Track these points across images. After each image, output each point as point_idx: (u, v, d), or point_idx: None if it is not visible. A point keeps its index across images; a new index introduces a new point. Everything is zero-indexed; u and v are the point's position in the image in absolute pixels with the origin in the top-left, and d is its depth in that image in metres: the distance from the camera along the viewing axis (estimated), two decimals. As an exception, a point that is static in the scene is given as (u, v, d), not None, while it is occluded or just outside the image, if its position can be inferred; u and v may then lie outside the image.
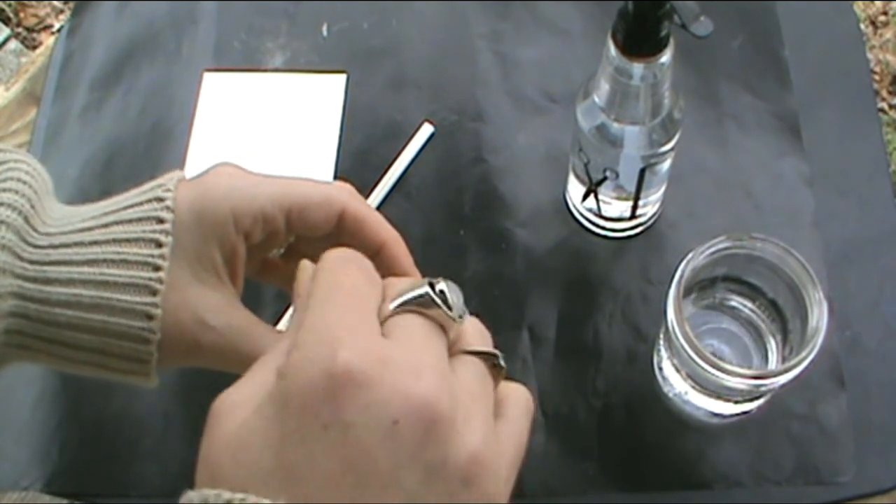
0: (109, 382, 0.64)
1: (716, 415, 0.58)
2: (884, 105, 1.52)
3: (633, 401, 0.61)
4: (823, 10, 0.75)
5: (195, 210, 0.39)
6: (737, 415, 0.58)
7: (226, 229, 0.39)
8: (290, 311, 0.64)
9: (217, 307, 0.39)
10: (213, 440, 0.28)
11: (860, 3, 1.60)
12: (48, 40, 1.49)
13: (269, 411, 0.27)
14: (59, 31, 1.04)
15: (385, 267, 0.41)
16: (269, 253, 0.44)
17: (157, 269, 0.38)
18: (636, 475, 0.59)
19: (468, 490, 0.28)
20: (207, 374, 0.62)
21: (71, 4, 1.65)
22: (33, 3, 1.73)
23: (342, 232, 0.41)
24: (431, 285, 0.31)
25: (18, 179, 0.39)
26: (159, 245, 0.38)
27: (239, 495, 0.26)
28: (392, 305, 0.31)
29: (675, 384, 0.57)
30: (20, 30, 1.69)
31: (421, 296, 0.30)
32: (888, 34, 1.58)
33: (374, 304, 0.31)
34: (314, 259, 0.45)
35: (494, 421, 0.30)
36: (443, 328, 0.31)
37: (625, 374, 0.62)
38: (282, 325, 0.63)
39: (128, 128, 0.74)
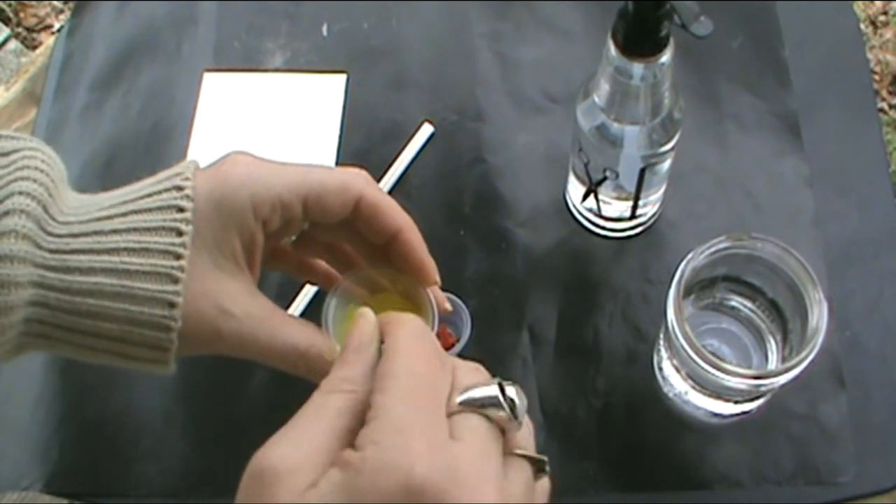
0: (110, 381, 0.64)
1: (716, 415, 0.58)
2: (884, 105, 1.52)
3: (633, 401, 0.61)
4: (823, 10, 0.75)
5: (214, 198, 0.39)
6: (737, 415, 0.58)
7: (245, 217, 0.39)
8: (302, 296, 0.64)
9: (237, 295, 0.40)
10: None
11: (860, 3, 1.60)
12: (48, 40, 1.50)
13: (337, 501, 0.29)
14: (59, 31, 1.05)
15: (400, 253, 0.42)
16: (283, 240, 0.44)
17: (178, 257, 0.38)
18: (636, 475, 0.59)
19: None
20: (207, 374, 0.62)
21: (71, 4, 1.65)
22: (33, 3, 1.72)
23: (358, 218, 0.41)
24: (501, 388, 0.32)
25: (35, 168, 0.39)
26: (180, 234, 0.38)
27: None
28: (459, 400, 0.32)
29: (675, 384, 0.57)
30: (20, 30, 1.69)
31: (490, 398, 0.32)
32: (888, 34, 1.58)
33: (445, 393, 0.32)
34: (328, 246, 0.45)
35: None
36: (502, 430, 0.32)
37: (625, 374, 0.62)
38: (293, 310, 0.64)
39: (128, 128, 0.74)
